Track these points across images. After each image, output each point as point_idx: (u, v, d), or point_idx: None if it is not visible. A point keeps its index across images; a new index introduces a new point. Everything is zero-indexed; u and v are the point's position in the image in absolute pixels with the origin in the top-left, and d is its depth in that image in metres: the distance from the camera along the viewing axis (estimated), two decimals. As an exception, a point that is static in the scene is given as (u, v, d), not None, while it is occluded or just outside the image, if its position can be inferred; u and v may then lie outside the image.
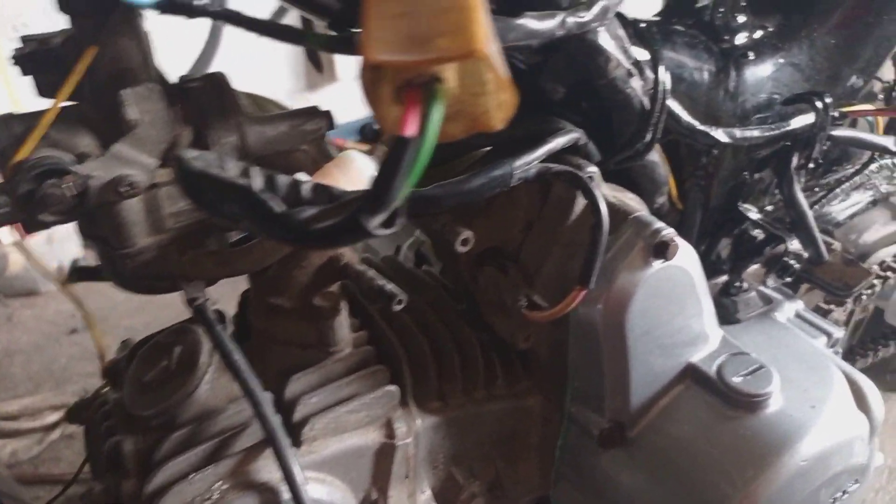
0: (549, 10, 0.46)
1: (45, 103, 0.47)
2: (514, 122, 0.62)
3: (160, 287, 0.53)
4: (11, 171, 0.43)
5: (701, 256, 0.72)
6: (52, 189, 0.43)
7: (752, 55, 0.69)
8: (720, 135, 0.64)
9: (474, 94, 0.33)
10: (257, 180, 0.44)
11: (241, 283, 0.61)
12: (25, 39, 0.49)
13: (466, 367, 0.63)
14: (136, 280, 0.52)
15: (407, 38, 0.29)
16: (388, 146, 0.30)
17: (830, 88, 0.73)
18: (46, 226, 0.46)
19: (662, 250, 0.56)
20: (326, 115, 0.55)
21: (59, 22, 0.48)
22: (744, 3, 0.70)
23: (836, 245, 0.74)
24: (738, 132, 0.65)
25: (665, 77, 0.58)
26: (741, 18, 0.70)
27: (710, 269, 0.73)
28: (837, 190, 0.80)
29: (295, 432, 0.53)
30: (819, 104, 0.68)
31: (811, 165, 0.70)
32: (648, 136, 0.59)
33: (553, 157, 0.57)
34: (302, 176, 0.49)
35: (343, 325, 0.57)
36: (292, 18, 1.43)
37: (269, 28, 0.44)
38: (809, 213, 0.70)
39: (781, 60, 0.71)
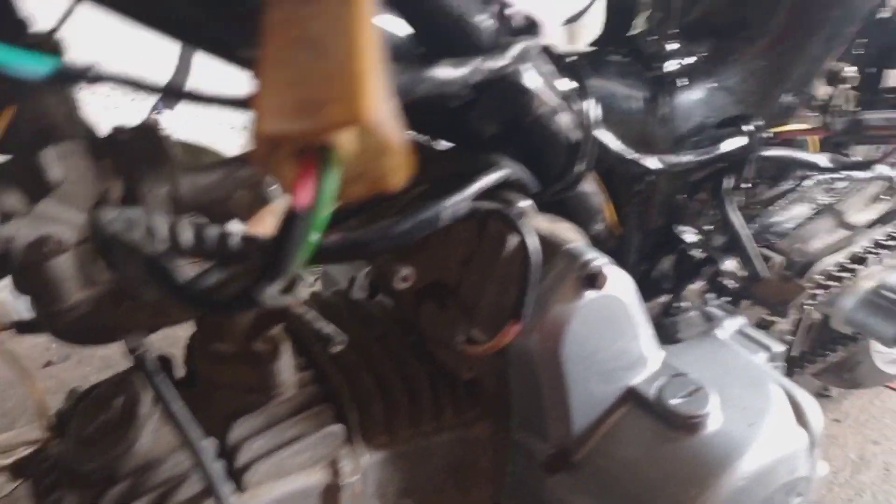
0: (462, 57, 0.47)
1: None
2: (451, 159, 0.64)
3: (99, 338, 0.54)
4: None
5: (641, 278, 0.74)
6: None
7: (683, 81, 0.71)
8: (651, 162, 0.66)
9: (372, 157, 0.34)
10: (186, 234, 0.45)
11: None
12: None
13: (413, 400, 0.64)
14: (73, 333, 0.52)
15: (297, 107, 0.30)
16: (281, 216, 0.31)
17: (763, 109, 0.75)
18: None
19: (593, 281, 0.58)
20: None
21: None
22: (675, 30, 0.72)
23: (777, 259, 0.76)
24: (669, 158, 0.67)
25: (593, 110, 0.60)
26: (672, 45, 0.72)
27: (651, 290, 0.75)
28: (779, 203, 0.82)
29: (238, 478, 0.54)
30: (749, 127, 0.70)
31: (745, 186, 0.72)
32: (579, 168, 0.61)
33: (487, 192, 0.58)
34: (235, 224, 0.50)
35: (286, 367, 0.58)
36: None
37: (177, 92, 0.45)
38: (745, 233, 0.72)
39: (713, 85, 0.73)
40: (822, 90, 0.79)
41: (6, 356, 0.77)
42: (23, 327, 0.59)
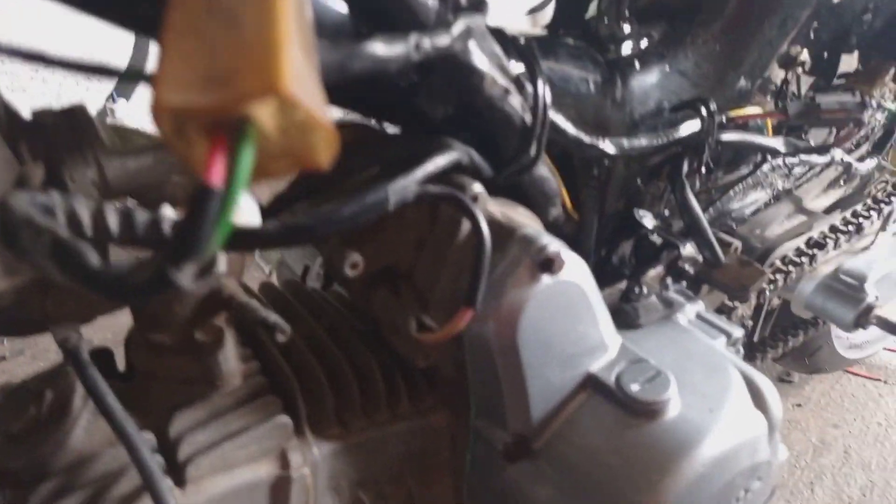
0: (401, 33, 0.45)
1: None
2: (400, 143, 0.63)
3: (26, 330, 0.51)
4: None
5: (600, 263, 0.74)
6: None
7: (637, 64, 0.70)
8: (607, 146, 0.65)
9: (296, 134, 0.32)
10: (111, 220, 0.43)
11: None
12: None
13: (366, 390, 0.62)
14: (1, 325, 0.50)
15: (206, 78, 0.28)
16: (191, 194, 0.29)
17: (718, 93, 0.75)
18: None
19: (548, 266, 0.57)
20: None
21: None
22: (629, 14, 0.71)
23: (736, 244, 0.76)
24: (625, 142, 0.66)
25: (545, 92, 0.59)
26: (626, 29, 0.71)
27: (611, 276, 0.74)
28: (737, 188, 0.82)
29: (179, 472, 0.52)
30: (704, 110, 0.70)
31: (703, 170, 0.72)
32: (532, 151, 0.60)
33: (439, 176, 0.57)
34: (168, 210, 0.48)
35: (229, 357, 0.56)
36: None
37: (74, 65, 0.42)
38: (703, 218, 0.71)
39: (668, 68, 0.72)
40: (777, 74, 0.79)
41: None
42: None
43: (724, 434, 0.61)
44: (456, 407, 0.66)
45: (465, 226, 0.59)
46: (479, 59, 0.54)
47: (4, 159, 0.45)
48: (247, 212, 0.52)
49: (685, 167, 0.71)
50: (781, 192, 0.92)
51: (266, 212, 0.57)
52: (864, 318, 0.89)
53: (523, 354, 0.59)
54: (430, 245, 0.61)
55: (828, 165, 0.96)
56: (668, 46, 0.72)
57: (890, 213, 0.95)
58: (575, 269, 0.60)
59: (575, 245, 0.63)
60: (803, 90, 0.86)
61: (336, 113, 0.64)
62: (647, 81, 0.70)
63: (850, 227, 0.93)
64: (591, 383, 0.63)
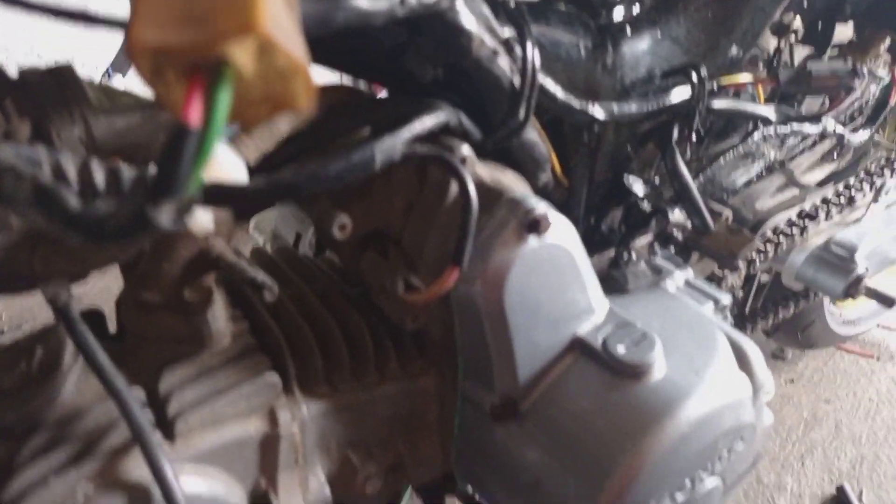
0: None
1: None
2: (389, 104, 0.63)
3: (17, 287, 0.51)
4: None
5: (589, 230, 0.74)
6: None
7: (629, 30, 0.70)
8: (597, 111, 0.65)
9: (275, 78, 0.32)
10: (98, 175, 0.43)
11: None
12: None
13: (355, 351, 0.63)
14: (-11, 282, 0.50)
15: (183, 16, 0.29)
16: (168, 134, 0.30)
17: (710, 60, 0.74)
18: None
19: (535, 227, 0.57)
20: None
21: None
22: (621, -21, 0.71)
23: (726, 213, 0.77)
24: (615, 108, 0.66)
25: (534, 55, 0.59)
26: (618, -7, 0.71)
27: (600, 242, 0.74)
28: (730, 159, 0.82)
29: (168, 427, 0.53)
30: (695, 77, 0.69)
31: (693, 138, 0.72)
32: (521, 115, 0.60)
33: (428, 138, 0.57)
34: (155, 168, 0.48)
35: (218, 317, 0.56)
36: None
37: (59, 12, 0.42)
38: (693, 185, 0.72)
39: (659, 35, 0.72)
40: (770, 42, 0.79)
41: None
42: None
43: (709, 395, 0.61)
44: (444, 369, 0.66)
45: (454, 189, 0.60)
46: (468, 19, 0.54)
47: (-10, 113, 0.45)
48: (233, 169, 0.52)
49: (675, 134, 0.71)
50: (774, 164, 0.92)
51: (254, 172, 0.58)
52: (853, 288, 0.89)
53: (510, 316, 0.59)
54: (419, 208, 0.61)
55: (821, 138, 0.96)
56: (660, 12, 0.72)
57: (882, 186, 0.95)
58: (563, 233, 0.60)
59: (564, 211, 0.63)
60: (797, 61, 0.85)
61: (325, 75, 0.64)
62: (639, 47, 0.70)
63: (842, 200, 0.93)
64: (578, 346, 0.64)
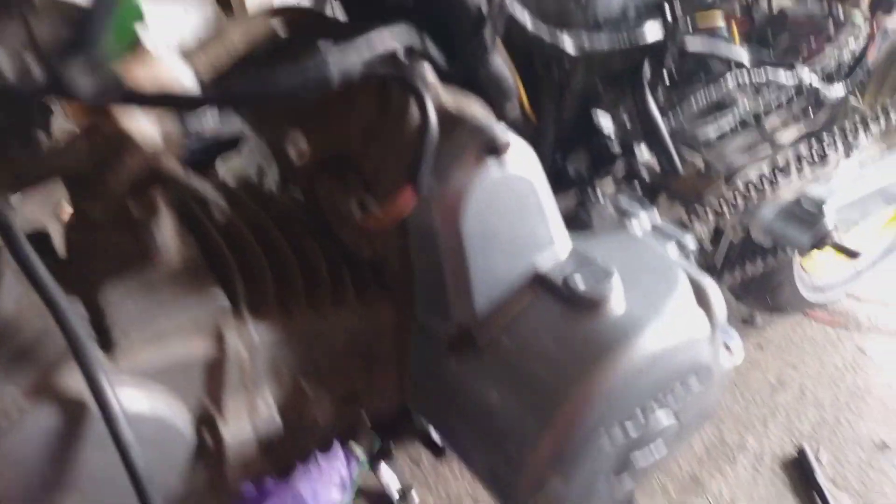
0: None
1: None
2: (352, 27, 0.60)
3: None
4: None
5: (556, 169, 0.73)
6: None
7: (603, -39, 0.68)
8: (568, 45, 0.63)
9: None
10: (35, 70, 0.41)
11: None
12: None
13: (310, 278, 0.61)
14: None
15: None
16: None
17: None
18: None
19: (496, 152, 0.56)
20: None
21: None
22: None
23: (697, 159, 0.76)
24: (586, 42, 0.65)
25: (500, -26, 0.57)
26: (593, -76, 0.68)
27: (566, 181, 0.73)
28: (703, 105, 0.81)
29: (108, 341, 0.51)
30: (669, 13, 0.68)
31: (665, 78, 0.71)
32: (486, 36, 0.58)
33: (391, 62, 0.55)
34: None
35: (164, 231, 0.55)
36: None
37: None
38: (662, 126, 0.70)
39: (634, -32, 0.70)
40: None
41: None
42: None
43: (665, 330, 0.61)
44: (402, 303, 0.65)
45: (415, 112, 0.58)
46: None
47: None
48: (182, 77, 0.50)
49: (647, 72, 0.70)
50: (748, 119, 0.91)
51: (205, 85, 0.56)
52: (820, 242, 0.89)
53: (467, 242, 0.58)
54: (379, 132, 0.60)
55: (797, 93, 0.95)
56: (636, -55, 0.70)
57: (854, 142, 0.94)
58: (525, 161, 0.59)
59: (532, 148, 0.62)
60: (775, 8, 0.84)
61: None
62: (612, -19, 0.68)
63: (815, 155, 0.92)
64: (538, 281, 0.63)
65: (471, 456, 0.70)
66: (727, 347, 1.03)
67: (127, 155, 0.53)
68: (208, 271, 0.56)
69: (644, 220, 0.72)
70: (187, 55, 0.55)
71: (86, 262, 0.55)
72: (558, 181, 0.69)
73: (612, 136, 0.70)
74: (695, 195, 0.70)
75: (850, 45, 0.86)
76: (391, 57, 0.56)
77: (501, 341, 0.63)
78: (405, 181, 0.54)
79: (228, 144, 0.76)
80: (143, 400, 0.52)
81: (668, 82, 0.72)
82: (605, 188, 0.73)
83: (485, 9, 0.57)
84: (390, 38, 0.54)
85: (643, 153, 0.69)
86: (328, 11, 0.68)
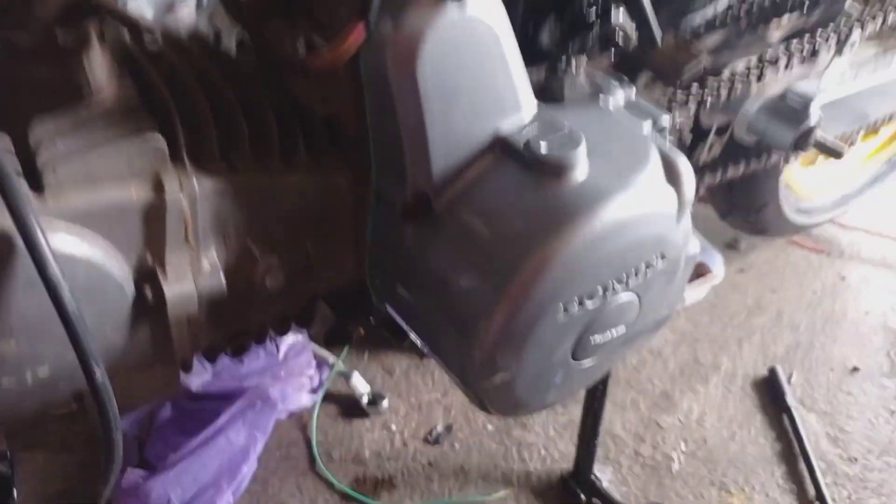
0: None
1: None
2: None
3: None
4: None
5: (528, 39, 0.69)
6: None
7: None
8: None
9: None
10: None
11: None
12: None
13: (259, 135, 0.58)
14: None
15: None
16: None
17: None
18: None
19: (455, -9, 0.52)
20: None
21: None
22: None
23: (673, 34, 0.71)
24: None
25: None
26: None
27: (540, 49, 0.69)
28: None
29: (37, 178, 0.48)
30: None
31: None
32: None
33: None
34: None
35: (96, 65, 0.51)
36: None
37: None
38: (642, -8, 0.66)
39: None
40: None
41: None
42: None
43: (629, 200, 0.58)
44: (358, 166, 0.62)
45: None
46: None
47: None
48: None
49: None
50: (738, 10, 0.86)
51: None
52: (803, 140, 0.86)
53: (424, 94, 0.54)
54: (331, -29, 0.55)
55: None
56: None
57: (847, 39, 0.90)
58: (488, 7, 0.55)
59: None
60: None
61: None
62: None
63: (805, 49, 0.88)
64: (500, 144, 0.60)
65: (428, 335, 0.68)
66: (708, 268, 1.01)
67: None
68: (146, 114, 0.53)
69: (619, 96, 0.69)
70: None
71: (11, 96, 0.51)
72: (531, 50, 0.65)
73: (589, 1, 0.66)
74: (672, 69, 0.66)
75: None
76: None
77: (459, 207, 0.60)
78: (355, 17, 0.51)
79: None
80: (76, 243, 0.50)
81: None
82: (580, 63, 0.69)
83: None
84: None
85: (620, 16, 0.65)
86: None
